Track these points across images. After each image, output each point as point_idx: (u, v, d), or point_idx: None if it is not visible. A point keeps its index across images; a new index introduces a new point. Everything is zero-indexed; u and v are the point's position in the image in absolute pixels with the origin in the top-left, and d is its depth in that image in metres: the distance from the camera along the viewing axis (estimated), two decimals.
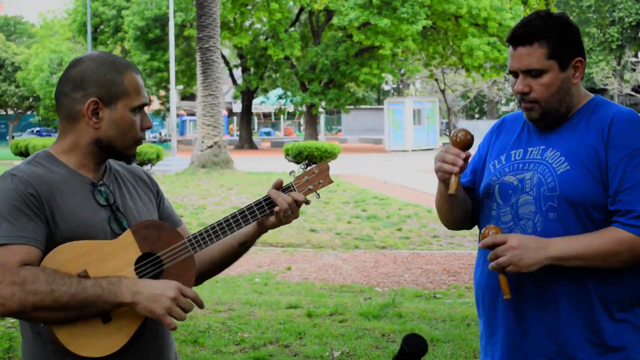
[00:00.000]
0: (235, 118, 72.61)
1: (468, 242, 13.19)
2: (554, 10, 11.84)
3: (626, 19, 62.42)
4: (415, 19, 41.36)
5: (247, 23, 47.87)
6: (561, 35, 2.80)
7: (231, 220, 2.70)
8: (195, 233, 2.68)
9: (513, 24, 42.35)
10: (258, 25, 49.12)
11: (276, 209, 2.72)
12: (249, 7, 45.96)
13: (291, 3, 46.36)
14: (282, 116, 74.78)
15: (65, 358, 2.53)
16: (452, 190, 2.81)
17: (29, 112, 71.37)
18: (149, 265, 2.60)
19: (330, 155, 27.88)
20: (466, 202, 3.04)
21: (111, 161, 2.79)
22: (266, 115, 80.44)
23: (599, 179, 2.74)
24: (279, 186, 2.75)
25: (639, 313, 2.81)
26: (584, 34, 60.94)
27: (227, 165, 27.17)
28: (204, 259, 2.84)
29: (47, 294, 2.40)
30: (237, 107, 65.60)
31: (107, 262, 2.54)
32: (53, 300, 2.41)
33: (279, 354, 6.66)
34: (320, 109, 50.12)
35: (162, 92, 52.70)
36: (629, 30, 63.84)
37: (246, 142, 53.16)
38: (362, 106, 61.30)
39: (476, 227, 3.10)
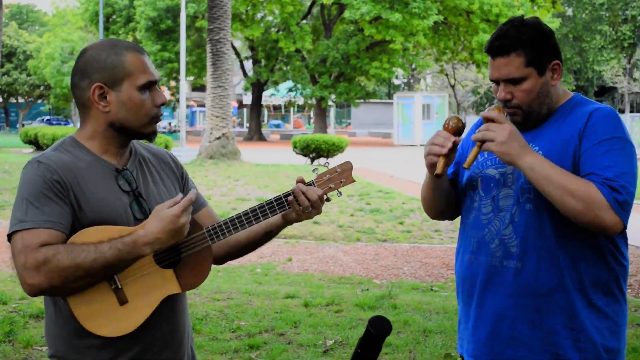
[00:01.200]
0: (244, 110, 72.72)
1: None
2: (560, 9, 11.93)
3: (639, 17, 62.23)
4: (426, 14, 41.37)
5: (258, 15, 47.99)
6: (536, 42, 2.93)
7: (250, 215, 2.79)
8: (214, 224, 2.76)
9: None
10: (270, 18, 49.23)
11: (290, 198, 2.82)
12: None
13: None
14: (292, 109, 74.92)
15: (84, 339, 2.66)
16: (438, 171, 2.91)
17: (39, 101, 71.70)
18: (167, 253, 2.71)
19: (338, 148, 27.99)
20: (450, 193, 3.17)
21: (137, 145, 2.89)
22: (276, 108, 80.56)
23: (572, 171, 2.85)
24: (300, 183, 2.83)
25: (609, 302, 2.95)
26: (596, 31, 60.82)
27: (234, 156, 27.26)
28: (231, 242, 2.96)
29: (70, 264, 2.50)
30: (248, 99, 65.76)
31: None
32: (76, 268, 2.51)
33: (273, 342, 6.78)
34: (330, 102, 50.23)
35: (172, 83, 52.85)
36: None
37: (255, 134, 53.30)
38: (372, 100, 61.28)
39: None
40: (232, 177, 21.73)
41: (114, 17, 51.79)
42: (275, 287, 9.19)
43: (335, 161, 28.30)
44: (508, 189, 2.97)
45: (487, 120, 2.89)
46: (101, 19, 42.46)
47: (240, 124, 74.06)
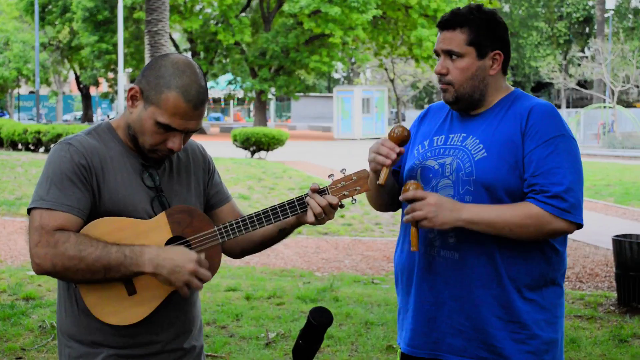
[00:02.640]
0: None
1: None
2: (497, 5, 12.08)
3: (574, 14, 63.35)
4: (365, 8, 41.49)
5: (197, 7, 47.58)
6: (484, 26, 3.00)
7: (262, 216, 2.83)
8: (225, 224, 2.81)
9: None
10: (208, 10, 48.84)
11: (302, 202, 2.85)
12: None
13: None
14: (231, 102, 74.59)
15: (93, 319, 2.71)
16: (381, 181, 2.94)
17: None
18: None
19: (278, 141, 27.91)
20: (393, 188, 3.19)
21: None
22: (216, 101, 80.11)
23: (514, 166, 2.92)
24: (314, 190, 2.84)
25: (546, 294, 3.00)
26: (532, 27, 61.70)
27: None
28: (245, 239, 2.99)
29: (74, 255, 2.58)
30: None
31: (140, 239, 2.68)
32: (79, 260, 2.58)
33: (215, 335, 6.75)
34: (270, 96, 50.07)
35: (110, 75, 52.17)
36: (576, 26, 64.81)
37: None
38: (311, 94, 61.34)
39: None
40: None
41: (50, 7, 50.91)
42: (216, 280, 9.14)
43: (275, 155, 28.29)
44: (446, 179, 3.01)
45: (409, 201, 2.91)
46: (37, 8, 41.73)
47: None
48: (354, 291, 8.59)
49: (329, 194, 2.86)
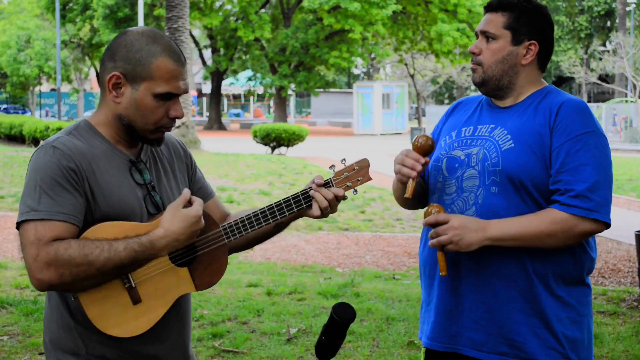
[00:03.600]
0: (204, 99, 72.39)
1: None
2: None
3: (595, 8, 62.94)
4: (385, 4, 41.44)
5: (217, 4, 47.68)
6: (525, 14, 3.00)
7: (267, 212, 2.72)
8: (230, 222, 2.70)
9: (482, 10, 42.64)
10: (228, 7, 48.93)
11: (307, 195, 2.77)
12: None
13: None
14: (251, 98, 74.67)
15: (92, 330, 2.57)
16: (408, 194, 2.92)
17: None
18: (183, 251, 2.64)
19: (298, 137, 27.96)
20: (421, 187, 3.15)
21: None
22: (236, 97, 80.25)
23: (541, 159, 2.88)
24: (318, 182, 2.75)
25: (572, 291, 2.95)
26: (553, 21, 61.34)
27: (194, 145, 27.14)
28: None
29: (81, 260, 2.42)
30: (207, 88, 65.43)
31: None
32: (88, 266, 2.43)
33: (236, 330, 6.77)
34: (290, 92, 50.14)
35: None
36: (597, 20, 64.40)
37: (215, 123, 53.05)
38: (331, 89, 61.37)
39: None
40: None
41: (71, 4, 51.13)
42: (237, 276, 9.17)
43: (295, 151, 28.32)
44: (472, 169, 2.97)
45: (432, 225, 2.87)
46: (57, 6, 41.90)
47: (200, 113, 73.65)
48: (375, 287, 8.59)
49: (333, 186, 2.78)
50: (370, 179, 2.85)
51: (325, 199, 2.73)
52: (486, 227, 2.83)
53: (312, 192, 2.74)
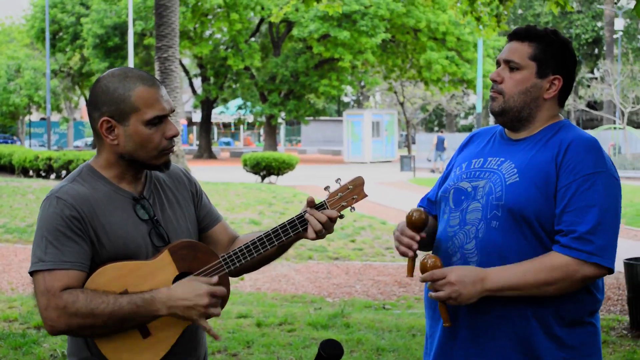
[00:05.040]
0: (194, 127, 72.46)
1: (421, 254, 13.33)
2: (505, 27, 12.08)
3: (582, 36, 63.41)
4: (374, 32, 41.70)
5: (207, 33, 47.86)
6: (553, 48, 2.96)
7: (265, 239, 2.79)
8: (229, 252, 2.78)
9: (471, 39, 42.96)
10: (218, 36, 49.13)
11: (303, 219, 2.82)
12: (209, 17, 45.98)
13: (252, 14, 46.43)
14: (241, 126, 74.79)
15: None
16: (408, 274, 2.97)
17: None
18: None
19: (288, 166, 27.96)
20: (433, 234, 3.14)
21: None
22: (226, 125, 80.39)
23: (544, 195, 2.82)
24: (311, 204, 2.81)
25: (575, 333, 2.88)
26: None
27: None
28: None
29: (87, 314, 2.57)
30: (197, 116, 65.53)
31: (147, 281, 2.66)
32: (93, 319, 2.58)
33: None
34: (280, 120, 50.24)
35: None
36: (585, 47, 64.86)
37: (205, 152, 53.06)
38: (321, 117, 61.42)
39: None
40: None
41: (61, 34, 51.27)
42: (227, 307, 9.13)
43: (286, 179, 28.32)
44: (476, 202, 2.94)
45: (428, 281, 2.86)
46: (47, 36, 42.03)
47: (190, 142, 73.71)
48: (365, 317, 8.57)
49: (327, 207, 2.82)
50: (365, 195, 2.87)
51: (319, 222, 2.78)
52: (484, 279, 2.79)
53: (306, 216, 2.80)
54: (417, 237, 2.93)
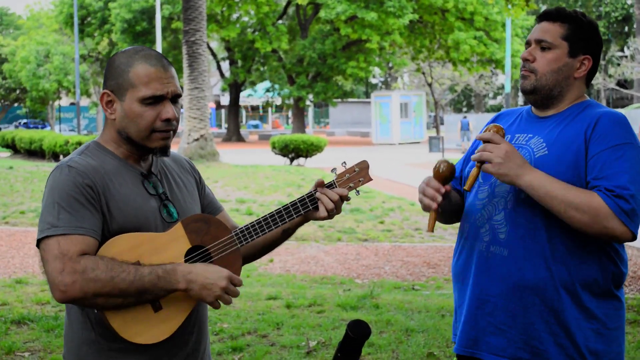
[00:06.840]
0: (223, 111, 72.65)
1: (449, 234, 13.34)
2: (534, 6, 11.99)
3: (612, 14, 62.71)
4: (402, 13, 41.49)
5: (234, 16, 47.91)
6: (584, 28, 3.03)
7: (276, 216, 2.80)
8: (242, 227, 2.78)
9: (499, 18, 42.65)
10: (245, 19, 49.17)
11: (313, 198, 2.83)
12: (236, 0, 45.99)
13: None
14: (269, 109, 74.87)
15: (114, 342, 2.65)
16: (429, 229, 2.97)
17: (15, 104, 71.22)
18: (198, 258, 2.72)
19: (317, 148, 28.01)
20: (457, 205, 3.17)
21: None
22: (254, 108, 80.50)
23: (574, 166, 2.87)
24: (321, 184, 2.82)
25: (601, 304, 2.93)
26: None
27: (213, 157, 27.21)
28: (249, 243, 2.91)
29: (107, 281, 2.50)
30: (225, 99, 65.64)
31: (160, 253, 2.64)
32: (112, 287, 2.51)
33: (256, 344, 6.78)
34: (308, 102, 50.25)
35: None
36: (615, 25, 64.14)
37: (234, 135, 53.22)
38: (349, 99, 61.42)
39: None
40: (211, 178, 21.68)
41: (89, 19, 51.51)
42: (257, 289, 9.18)
43: (314, 161, 28.35)
44: None
45: (484, 141, 2.90)
46: (76, 21, 42.27)
47: (219, 125, 73.92)
48: (395, 298, 8.58)
49: (337, 187, 2.85)
50: (370, 179, 2.91)
51: (331, 200, 2.80)
52: (528, 171, 2.83)
53: (317, 194, 2.82)
54: (442, 190, 2.95)
